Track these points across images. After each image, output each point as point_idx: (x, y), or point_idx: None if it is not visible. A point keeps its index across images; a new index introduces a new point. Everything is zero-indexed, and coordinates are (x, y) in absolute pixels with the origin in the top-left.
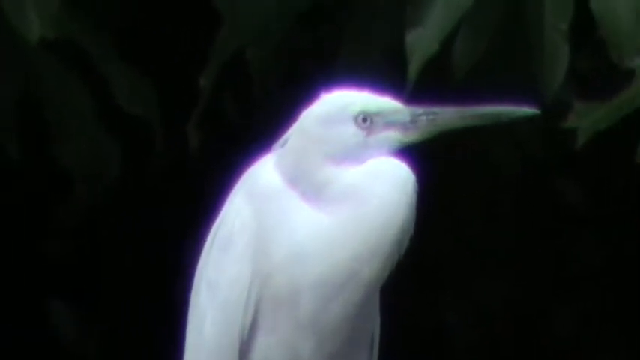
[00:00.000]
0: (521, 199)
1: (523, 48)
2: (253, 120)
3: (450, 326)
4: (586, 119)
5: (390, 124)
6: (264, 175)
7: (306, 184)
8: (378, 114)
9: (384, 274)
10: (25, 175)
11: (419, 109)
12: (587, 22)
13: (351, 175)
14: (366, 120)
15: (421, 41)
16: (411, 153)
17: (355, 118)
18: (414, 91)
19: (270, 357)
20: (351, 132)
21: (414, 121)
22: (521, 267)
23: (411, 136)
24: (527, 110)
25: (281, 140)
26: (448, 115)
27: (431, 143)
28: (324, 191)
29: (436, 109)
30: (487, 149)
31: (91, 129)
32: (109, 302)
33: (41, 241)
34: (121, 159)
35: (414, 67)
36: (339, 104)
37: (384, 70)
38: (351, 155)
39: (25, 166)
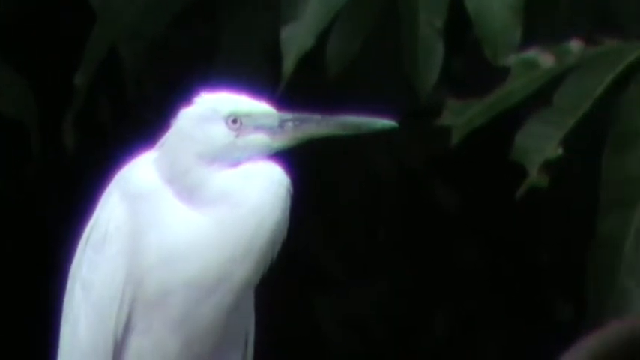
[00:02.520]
0: (398, 203)
1: (398, 46)
2: (129, 120)
3: (325, 331)
4: (460, 117)
5: (259, 128)
6: (137, 175)
7: (180, 184)
8: (247, 116)
9: (255, 277)
10: None
11: (287, 115)
12: (461, 20)
13: (224, 176)
14: (236, 122)
15: (296, 36)
16: (289, 157)
17: (225, 119)
18: (291, 91)
19: (143, 358)
20: (221, 132)
21: (281, 126)
22: (398, 272)
23: (279, 141)
24: (385, 122)
25: (161, 140)
26: (314, 123)
27: (306, 148)
28: (197, 192)
29: (304, 115)
30: (363, 152)
31: None
32: None
33: None
34: None
35: (288, 63)
36: (211, 105)
37: (262, 70)
38: (221, 156)
39: None
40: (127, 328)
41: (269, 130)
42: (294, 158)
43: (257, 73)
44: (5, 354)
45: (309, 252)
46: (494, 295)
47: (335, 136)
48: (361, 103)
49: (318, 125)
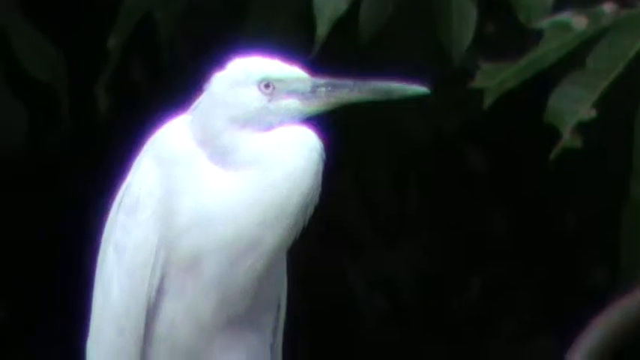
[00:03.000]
0: (430, 167)
1: (430, 10)
2: (162, 83)
3: (357, 295)
4: (493, 80)
5: (291, 92)
6: (170, 139)
7: (213, 147)
8: (280, 81)
9: (287, 241)
10: None
11: (320, 80)
12: None
13: (257, 140)
14: (269, 86)
15: (329, 1)
16: (319, 121)
17: (258, 84)
18: (324, 56)
19: (175, 321)
20: (254, 96)
21: (314, 91)
22: (429, 236)
23: (311, 106)
24: (418, 89)
25: (194, 103)
26: (346, 89)
27: (337, 113)
28: (230, 155)
29: (337, 81)
30: (396, 118)
31: None
32: (18, 271)
33: None
34: (28, 124)
35: (322, 27)
36: (244, 69)
37: (294, 34)
38: (254, 119)
39: None
40: (160, 291)
41: (301, 95)
42: (327, 123)
43: (289, 37)
44: (39, 316)
45: (341, 216)
46: (526, 260)
47: (367, 101)
48: (393, 67)
49: (351, 91)
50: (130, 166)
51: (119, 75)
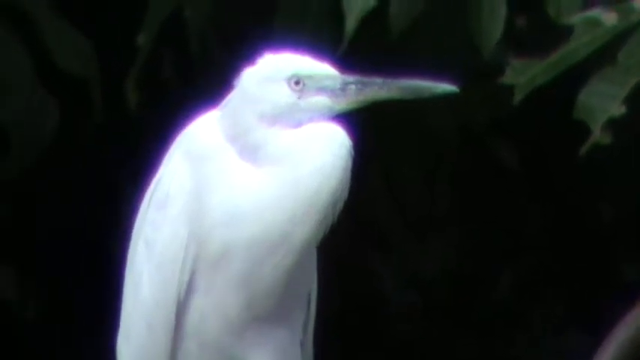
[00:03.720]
0: (460, 162)
1: (461, 4)
2: (192, 79)
3: (386, 291)
4: (523, 75)
5: (321, 90)
6: (201, 135)
7: (242, 143)
8: (310, 78)
9: (316, 237)
10: None
11: (350, 78)
12: None
13: (287, 136)
14: (299, 82)
15: None
16: (348, 118)
17: (288, 80)
18: (353, 52)
19: (204, 317)
20: (284, 93)
21: (343, 88)
22: (460, 231)
23: (340, 104)
24: (447, 87)
25: (225, 99)
26: (376, 86)
27: (366, 110)
28: (259, 151)
29: (366, 78)
30: (426, 113)
31: (30, 87)
32: (47, 262)
33: None
34: (59, 117)
35: (350, 23)
36: (274, 65)
37: (322, 30)
38: (283, 116)
39: None
40: (190, 287)
41: (331, 92)
42: (356, 118)
43: (318, 33)
44: (70, 309)
45: (371, 213)
46: (557, 254)
47: (396, 99)
48: (423, 63)
49: (380, 89)
50: (161, 161)
51: (149, 70)
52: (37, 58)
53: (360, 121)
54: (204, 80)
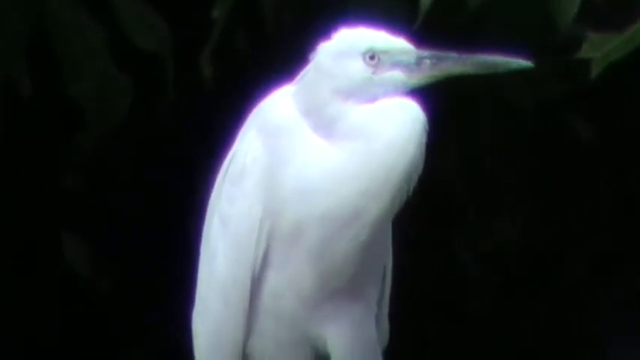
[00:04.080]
0: (533, 134)
1: None
2: (266, 54)
3: (462, 263)
4: (600, 49)
5: (396, 64)
6: (276, 109)
7: (317, 118)
8: (385, 52)
9: (390, 212)
10: (38, 111)
11: (425, 53)
12: None
13: (361, 111)
14: (374, 57)
15: None
16: (422, 90)
17: (363, 55)
18: (428, 27)
19: (279, 293)
20: (359, 68)
21: (418, 63)
22: (533, 203)
23: (415, 79)
24: (522, 62)
25: (300, 74)
26: (451, 61)
27: (441, 84)
28: (334, 126)
29: (441, 53)
30: (500, 84)
31: (103, 64)
32: (121, 237)
33: (54, 177)
34: (133, 93)
35: None
36: (349, 40)
37: (397, 4)
38: (358, 91)
39: (37, 101)
40: (264, 263)
41: (406, 67)
42: (430, 91)
43: (393, 8)
44: (144, 285)
45: (446, 187)
46: (633, 230)
47: (471, 74)
48: (498, 38)
49: (455, 63)
50: (235, 136)
51: (224, 45)
52: (111, 34)
53: (435, 96)
54: (279, 55)
